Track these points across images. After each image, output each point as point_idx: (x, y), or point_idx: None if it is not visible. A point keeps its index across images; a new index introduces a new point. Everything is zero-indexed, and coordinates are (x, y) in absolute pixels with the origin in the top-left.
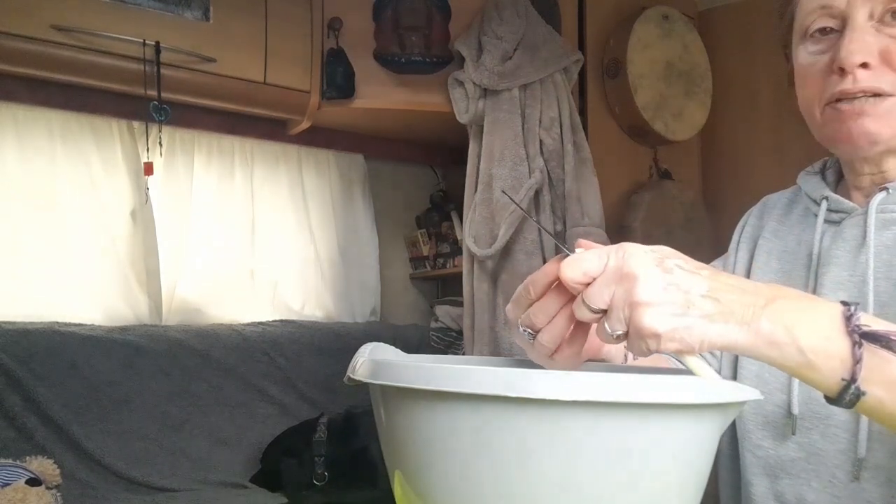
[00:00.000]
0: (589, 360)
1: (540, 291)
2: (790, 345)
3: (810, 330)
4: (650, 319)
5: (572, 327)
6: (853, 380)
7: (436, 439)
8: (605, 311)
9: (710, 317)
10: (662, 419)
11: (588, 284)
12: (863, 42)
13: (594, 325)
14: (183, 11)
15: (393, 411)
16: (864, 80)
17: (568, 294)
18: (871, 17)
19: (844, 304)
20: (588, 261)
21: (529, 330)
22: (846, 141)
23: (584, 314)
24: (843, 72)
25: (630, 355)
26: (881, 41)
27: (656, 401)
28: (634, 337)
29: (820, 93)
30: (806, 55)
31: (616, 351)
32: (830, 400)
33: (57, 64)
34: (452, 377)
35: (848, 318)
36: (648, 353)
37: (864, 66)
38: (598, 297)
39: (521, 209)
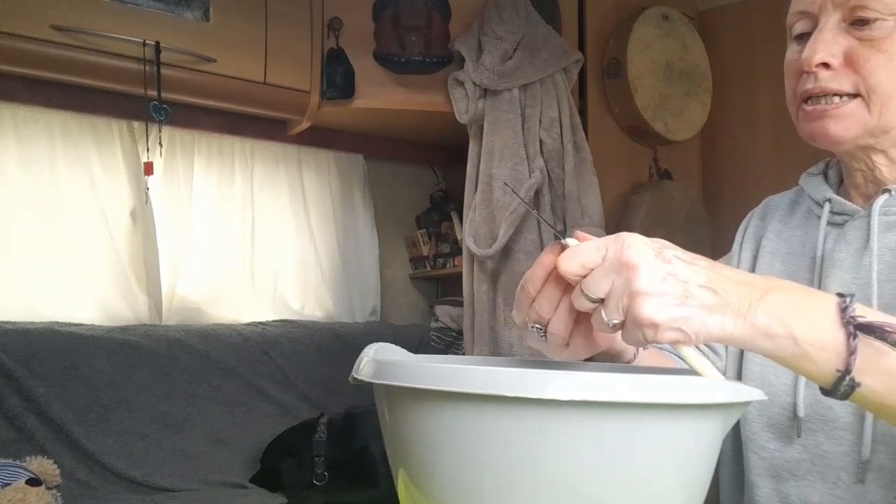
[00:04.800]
0: (604, 352)
1: (538, 287)
2: (785, 336)
3: (805, 321)
4: (649, 309)
5: (576, 316)
6: (847, 371)
7: (440, 438)
8: (603, 301)
9: (709, 308)
10: (666, 419)
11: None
12: (826, 44)
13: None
14: (183, 11)
15: (397, 411)
16: (825, 80)
17: (566, 281)
18: (842, 20)
19: (840, 295)
20: (585, 252)
21: (538, 325)
22: (813, 140)
23: (582, 304)
24: (806, 71)
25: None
26: (848, 43)
27: (660, 401)
28: (632, 326)
29: (794, 91)
30: (789, 54)
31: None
32: (826, 392)
33: (57, 64)
34: (457, 377)
35: (843, 310)
36: (644, 343)
37: (826, 66)
38: (597, 286)
39: (524, 201)
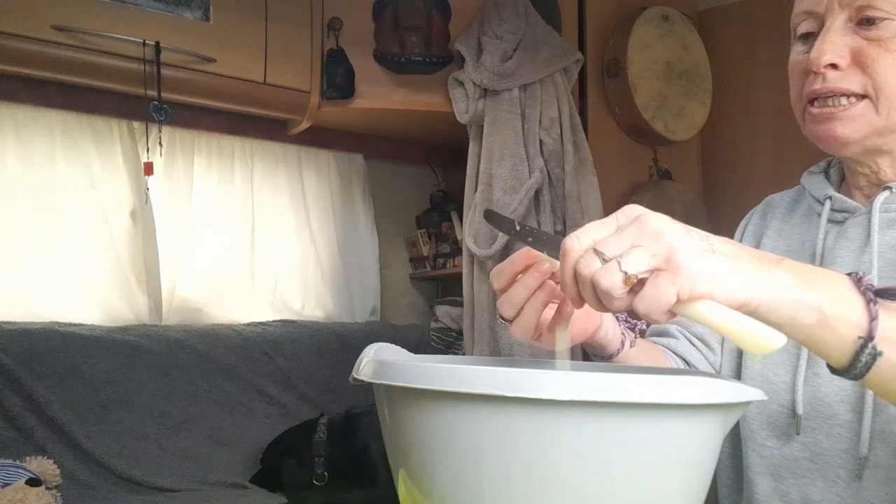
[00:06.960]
0: (587, 345)
1: (504, 283)
2: (806, 303)
3: (824, 287)
4: (684, 257)
5: (553, 315)
6: (870, 337)
7: (439, 439)
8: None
9: (735, 260)
10: (666, 419)
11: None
12: (834, 44)
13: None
14: (183, 11)
15: (397, 411)
16: (833, 80)
17: (534, 285)
18: (849, 20)
19: (849, 273)
20: (595, 229)
21: (502, 319)
22: (819, 142)
23: (592, 264)
24: (814, 72)
25: (628, 341)
26: (856, 43)
27: (660, 401)
28: (663, 281)
29: (800, 92)
30: (794, 55)
31: (612, 335)
32: (840, 370)
33: (57, 64)
34: (456, 377)
35: (858, 281)
36: (668, 302)
37: (834, 67)
38: (616, 245)
39: (516, 221)
